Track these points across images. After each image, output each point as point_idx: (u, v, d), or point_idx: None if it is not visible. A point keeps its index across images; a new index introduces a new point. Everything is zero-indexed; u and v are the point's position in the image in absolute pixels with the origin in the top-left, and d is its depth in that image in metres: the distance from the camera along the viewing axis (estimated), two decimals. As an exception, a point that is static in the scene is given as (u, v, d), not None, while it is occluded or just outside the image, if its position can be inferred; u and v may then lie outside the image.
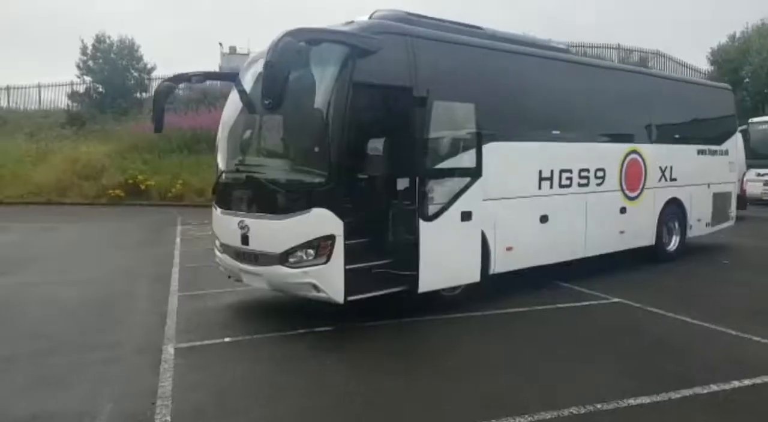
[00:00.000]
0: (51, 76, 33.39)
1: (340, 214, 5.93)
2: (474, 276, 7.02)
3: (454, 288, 7.07)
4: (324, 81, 6.03)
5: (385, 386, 4.95)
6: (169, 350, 5.69)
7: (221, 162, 7.23)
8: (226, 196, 7.02)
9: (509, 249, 7.52)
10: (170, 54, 42.04)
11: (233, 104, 7.25)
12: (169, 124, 23.28)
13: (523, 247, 7.69)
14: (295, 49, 5.45)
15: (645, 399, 4.48)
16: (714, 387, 4.73)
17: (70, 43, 47.58)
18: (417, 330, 6.47)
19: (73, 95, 30.34)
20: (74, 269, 10.21)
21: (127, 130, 25.21)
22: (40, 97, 31.51)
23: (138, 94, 30.05)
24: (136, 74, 30.20)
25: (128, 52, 30.15)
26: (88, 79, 30.08)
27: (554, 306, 7.34)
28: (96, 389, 4.85)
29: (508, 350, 5.84)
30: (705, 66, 30.83)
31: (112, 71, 29.23)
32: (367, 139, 6.57)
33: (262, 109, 5.80)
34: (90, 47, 29.78)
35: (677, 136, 10.50)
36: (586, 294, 7.89)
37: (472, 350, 5.86)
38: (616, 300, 7.61)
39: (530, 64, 8.06)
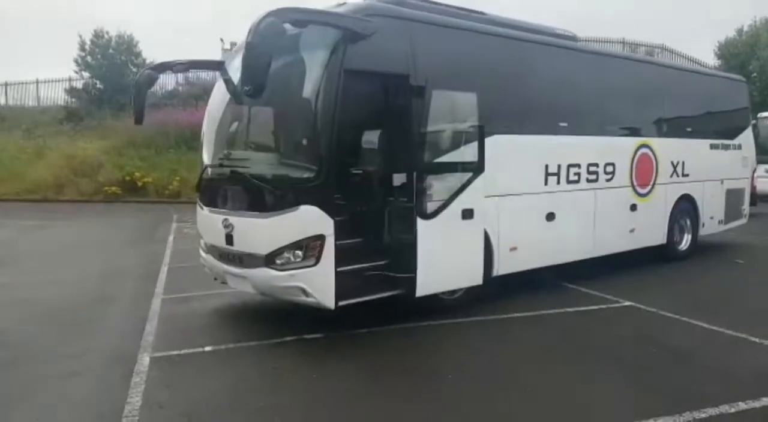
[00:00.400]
0: (49, 72, 33.02)
1: (330, 212, 5.46)
2: (476, 278, 6.56)
3: (454, 292, 6.61)
4: (312, 67, 5.54)
5: (379, 402, 4.50)
6: (144, 360, 5.23)
7: (205, 156, 6.77)
8: (210, 192, 6.56)
9: (513, 249, 7.06)
10: (170, 50, 41.57)
11: (219, 95, 6.82)
12: (167, 119, 23.35)
13: (529, 247, 7.22)
14: (279, 31, 4.97)
15: (667, 420, 4.00)
16: (742, 405, 4.24)
17: (68, 39, 47.43)
18: (414, 337, 5.99)
19: (71, 91, 29.98)
20: (59, 268, 9.81)
21: (124, 126, 24.81)
22: (38, 93, 31.19)
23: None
24: (135, 70, 29.68)
25: (127, 47, 29.78)
26: (86, 74, 29.72)
27: (562, 310, 6.86)
28: (55, 406, 4.41)
29: (512, 360, 5.36)
30: (711, 60, 30.36)
31: (111, 67, 28.82)
32: (360, 131, 6.14)
33: (244, 96, 5.32)
34: (88, 43, 29.43)
35: (690, 130, 10.03)
36: (596, 298, 7.40)
37: (474, 360, 5.38)
38: (627, 303, 7.13)
39: (536, 52, 7.56)
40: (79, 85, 29.93)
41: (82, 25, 52.10)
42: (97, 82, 29.30)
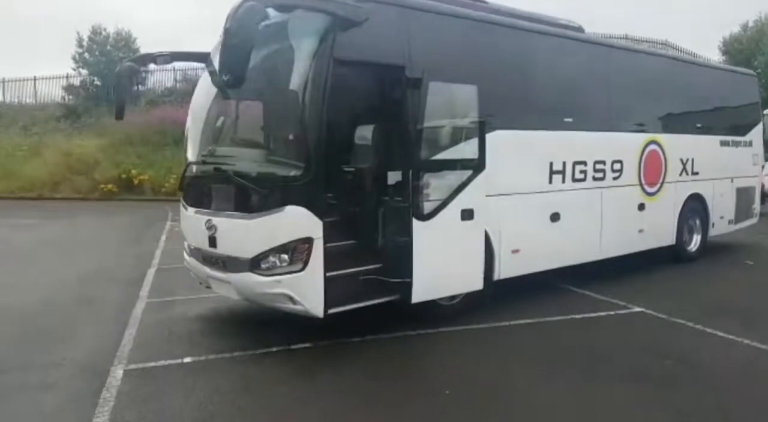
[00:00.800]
0: (47, 69, 32.74)
1: (318, 213, 5.09)
2: (476, 283, 6.17)
3: (452, 297, 6.22)
4: (299, 56, 5.15)
5: (371, 417, 4.15)
6: (117, 373, 4.86)
7: (189, 153, 6.38)
8: (193, 191, 6.19)
9: (516, 251, 6.67)
10: (169, 48, 41.01)
11: (203, 88, 6.41)
12: (164, 117, 23.00)
13: (532, 249, 6.84)
14: (261, 16, 4.59)
15: (686, 446, 3.63)
16: (770, 428, 3.87)
17: (66, 36, 47.01)
18: (409, 347, 5.61)
19: (68, 88, 29.69)
20: (44, 269, 9.47)
21: (122, 123, 24.38)
22: (35, 90, 30.86)
23: (134, 87, 29.25)
24: (133, 67, 29.37)
25: (125, 44, 29.53)
26: (84, 71, 29.47)
27: (567, 317, 6.47)
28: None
29: (514, 373, 4.97)
30: (716, 56, 29.94)
31: (109, 64, 28.47)
32: (352, 126, 5.76)
33: (227, 88, 4.94)
34: (86, 39, 29.17)
35: (699, 126, 9.62)
36: (603, 303, 7.01)
37: (473, 373, 4.98)
38: (637, 309, 6.74)
39: (541, 43, 7.17)
40: (76, 82, 29.71)
41: (80, 22, 51.72)
42: (95, 79, 29.07)
